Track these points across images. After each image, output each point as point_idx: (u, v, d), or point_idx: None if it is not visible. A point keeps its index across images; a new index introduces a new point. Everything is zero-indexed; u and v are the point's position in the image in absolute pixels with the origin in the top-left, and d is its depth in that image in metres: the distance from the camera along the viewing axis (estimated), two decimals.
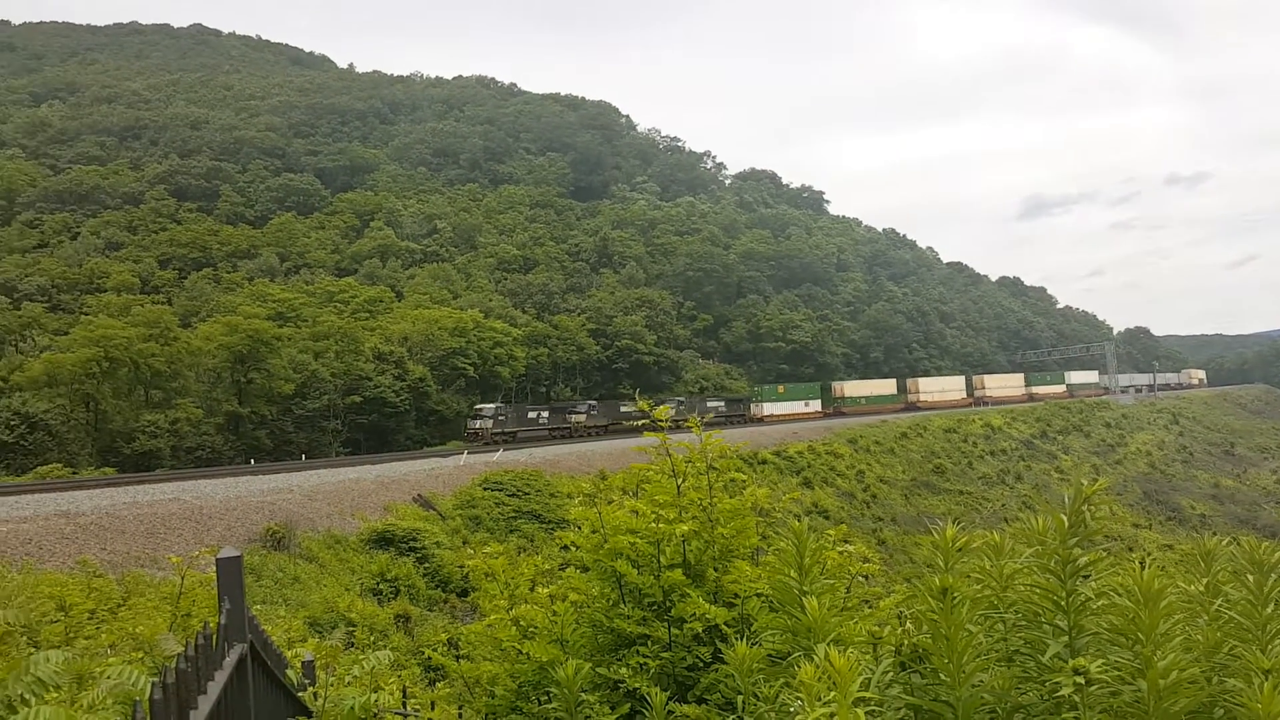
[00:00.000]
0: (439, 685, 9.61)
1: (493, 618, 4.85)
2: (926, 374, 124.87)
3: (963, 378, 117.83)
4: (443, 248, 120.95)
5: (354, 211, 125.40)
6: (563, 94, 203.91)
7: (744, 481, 5.00)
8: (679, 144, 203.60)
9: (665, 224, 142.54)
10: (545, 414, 70.81)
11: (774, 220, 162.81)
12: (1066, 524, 2.84)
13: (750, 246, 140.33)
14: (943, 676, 2.75)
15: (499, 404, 69.11)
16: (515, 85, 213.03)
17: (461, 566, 29.03)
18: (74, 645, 5.58)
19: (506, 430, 64.95)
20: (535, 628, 4.53)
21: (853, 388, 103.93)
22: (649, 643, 4.17)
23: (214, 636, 2.91)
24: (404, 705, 6.87)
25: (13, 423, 50.81)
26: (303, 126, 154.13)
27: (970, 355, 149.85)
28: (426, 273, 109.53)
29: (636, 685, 3.93)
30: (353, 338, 74.74)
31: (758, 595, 4.13)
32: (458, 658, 5.49)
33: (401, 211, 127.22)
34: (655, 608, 4.30)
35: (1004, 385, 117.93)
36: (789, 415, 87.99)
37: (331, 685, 4.56)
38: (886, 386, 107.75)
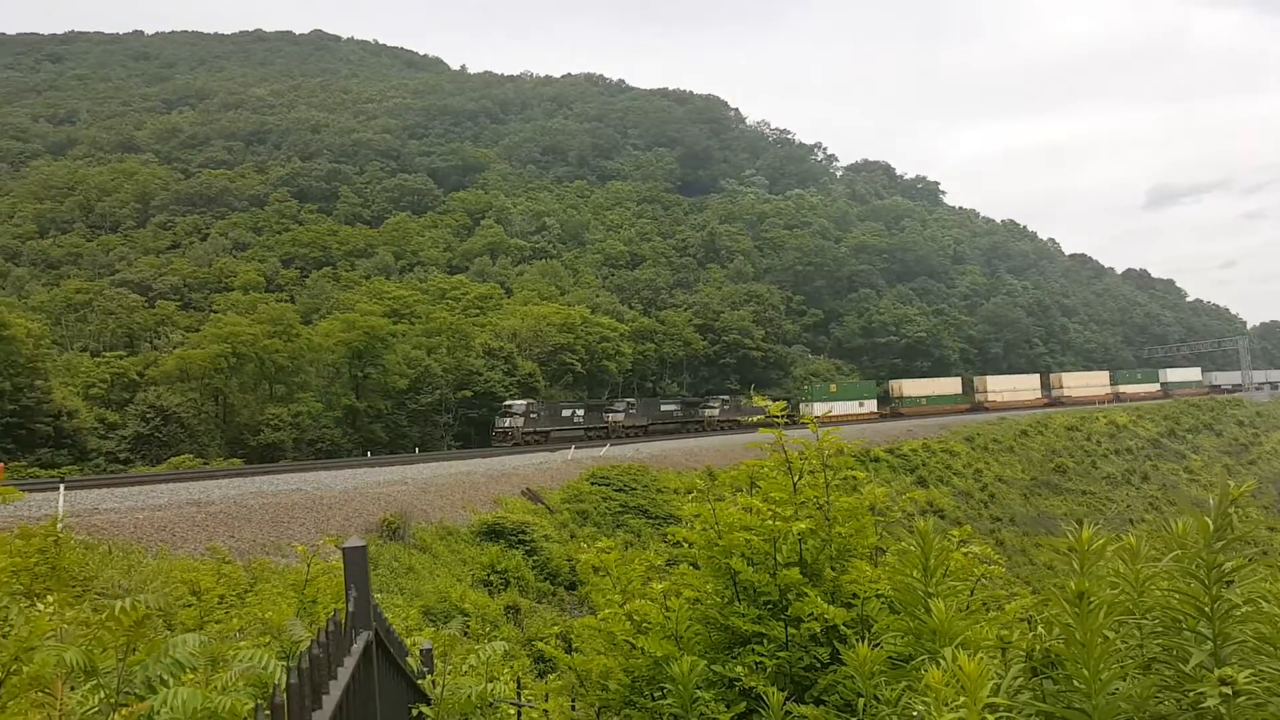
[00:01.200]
0: (550, 677, 9.67)
1: (606, 612, 4.82)
2: (1049, 370, 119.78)
3: (1037, 376, 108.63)
4: (551, 244, 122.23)
5: (465, 210, 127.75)
6: (671, 89, 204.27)
7: (861, 479, 4.88)
8: (789, 136, 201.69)
9: (774, 217, 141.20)
10: (580, 412, 65.18)
11: (887, 212, 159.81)
12: (1211, 527, 2.69)
13: (862, 239, 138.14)
14: (1077, 684, 2.63)
15: (530, 400, 64.07)
16: (623, 81, 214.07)
17: (570, 559, 29.55)
18: (206, 629, 5.77)
19: (539, 430, 59.75)
20: (649, 623, 4.49)
21: (912, 387, 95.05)
22: (764, 641, 4.10)
23: (343, 624, 2.97)
24: (518, 696, 6.92)
25: (149, 415, 53.48)
26: (417, 128, 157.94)
27: (1094, 351, 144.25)
28: (535, 269, 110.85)
29: (753, 684, 3.87)
30: (464, 334, 75.97)
31: (877, 596, 4.06)
32: (568, 650, 5.49)
33: (511, 209, 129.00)
34: (771, 606, 4.22)
35: (1085, 384, 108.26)
36: (841, 417, 78.82)
37: (449, 674, 4.64)
38: (950, 385, 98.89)
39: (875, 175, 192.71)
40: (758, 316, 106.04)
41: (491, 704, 4.87)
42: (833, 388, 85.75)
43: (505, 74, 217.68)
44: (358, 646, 3.11)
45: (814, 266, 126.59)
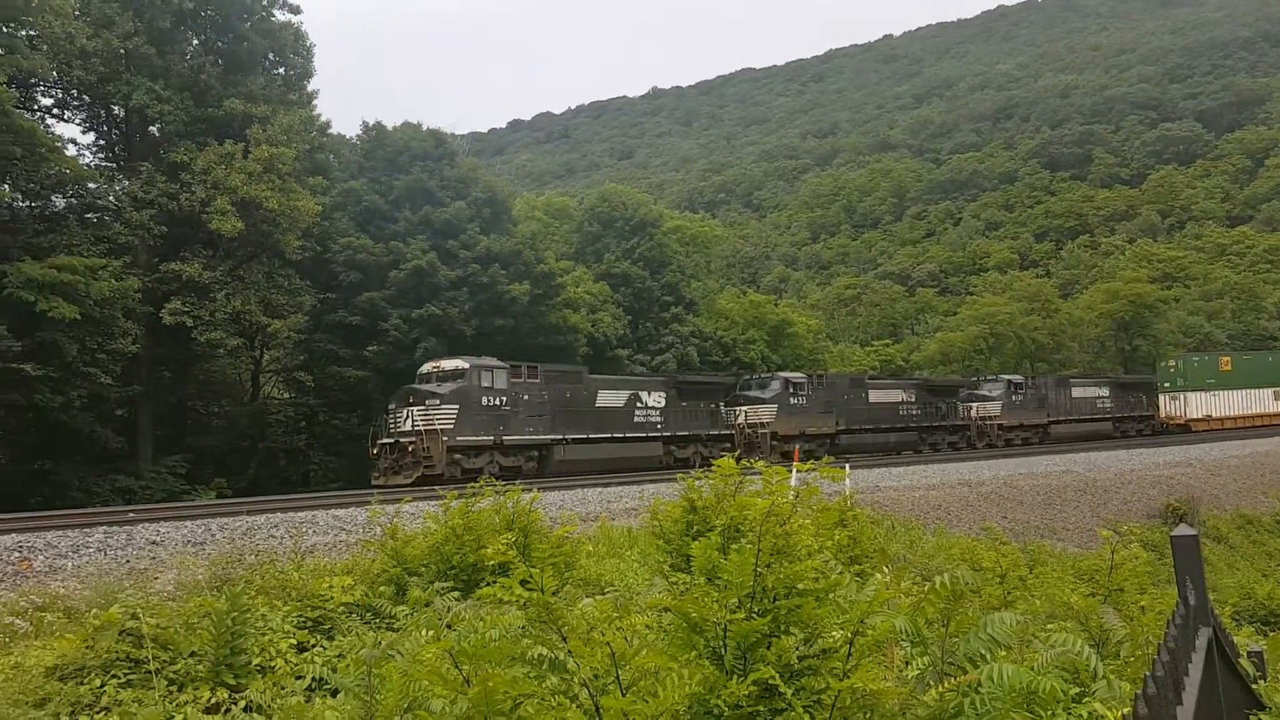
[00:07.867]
0: None
1: None
2: None
3: None
4: None
5: (1243, 152, 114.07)
6: None
7: None
8: None
9: None
10: (911, 398, 35.93)
11: None
12: None
13: None
14: None
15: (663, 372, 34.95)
16: None
17: None
18: (1011, 609, 5.84)
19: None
20: None
21: None
22: None
23: (1188, 619, 3.01)
24: None
25: None
26: (1178, 70, 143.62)
27: None
28: None
29: None
30: (1252, 293, 69.27)
31: None
32: None
33: None
34: None
35: None
36: (1235, 420, 44.29)
37: None
38: None
39: None
40: None
41: None
42: (1226, 364, 45.97)
43: None
44: (1201, 643, 3.08)
45: None
